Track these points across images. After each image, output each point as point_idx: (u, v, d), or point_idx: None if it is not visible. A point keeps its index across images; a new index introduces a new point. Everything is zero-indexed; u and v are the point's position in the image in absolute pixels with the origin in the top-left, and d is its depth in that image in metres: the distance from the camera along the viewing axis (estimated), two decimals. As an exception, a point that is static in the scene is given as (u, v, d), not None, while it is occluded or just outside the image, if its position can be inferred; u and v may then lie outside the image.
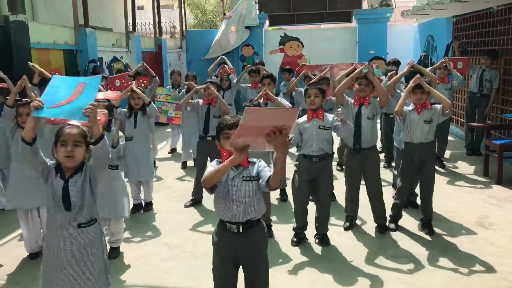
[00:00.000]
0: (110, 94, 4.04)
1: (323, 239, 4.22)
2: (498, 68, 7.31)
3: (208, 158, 5.26)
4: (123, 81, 5.75)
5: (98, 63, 8.49)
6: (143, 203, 5.31)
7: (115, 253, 4.05)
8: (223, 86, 6.90)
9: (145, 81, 5.51)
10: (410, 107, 4.40)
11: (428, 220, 4.47)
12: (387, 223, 4.53)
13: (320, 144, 4.06)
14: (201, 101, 5.35)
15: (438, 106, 4.30)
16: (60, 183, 2.46)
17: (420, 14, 9.28)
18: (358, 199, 4.56)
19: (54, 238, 2.49)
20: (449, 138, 7.42)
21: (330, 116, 4.09)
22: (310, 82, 5.30)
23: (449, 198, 5.31)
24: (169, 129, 8.58)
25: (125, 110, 5.05)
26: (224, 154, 2.50)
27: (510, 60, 7.17)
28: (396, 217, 4.58)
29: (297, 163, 4.20)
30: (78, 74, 8.03)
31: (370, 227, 4.58)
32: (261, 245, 2.66)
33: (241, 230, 2.55)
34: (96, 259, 2.54)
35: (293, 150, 4.69)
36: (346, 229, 4.54)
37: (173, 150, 8.30)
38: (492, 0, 6.91)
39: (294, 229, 4.30)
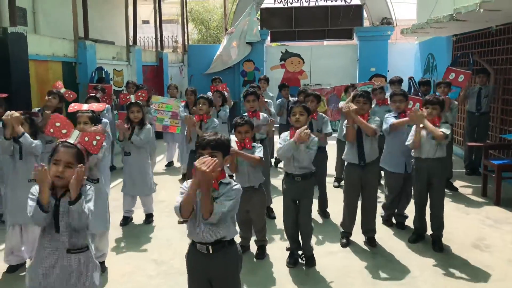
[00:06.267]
0: (95, 106, 3.97)
1: (308, 260, 4.08)
2: (496, 87, 7.24)
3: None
4: (122, 95, 5.79)
5: (105, 70, 8.53)
6: (144, 215, 5.34)
7: (100, 268, 3.96)
8: (215, 104, 6.85)
9: (143, 95, 5.51)
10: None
11: (437, 236, 4.46)
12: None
13: (301, 163, 3.89)
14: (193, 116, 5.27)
15: (446, 126, 4.31)
16: (52, 201, 2.39)
17: (419, 33, 9.29)
18: (356, 215, 4.51)
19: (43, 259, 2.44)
20: (448, 157, 7.32)
21: (313, 136, 3.96)
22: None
23: (445, 218, 5.15)
24: (165, 143, 8.53)
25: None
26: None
27: (509, 80, 7.12)
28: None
29: (284, 185, 4.09)
30: (76, 86, 8.05)
31: (360, 247, 4.49)
32: (233, 268, 2.56)
33: (211, 251, 2.47)
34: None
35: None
36: (344, 245, 4.48)
37: (169, 164, 8.25)
38: (491, 20, 6.89)
39: (287, 249, 4.18)
